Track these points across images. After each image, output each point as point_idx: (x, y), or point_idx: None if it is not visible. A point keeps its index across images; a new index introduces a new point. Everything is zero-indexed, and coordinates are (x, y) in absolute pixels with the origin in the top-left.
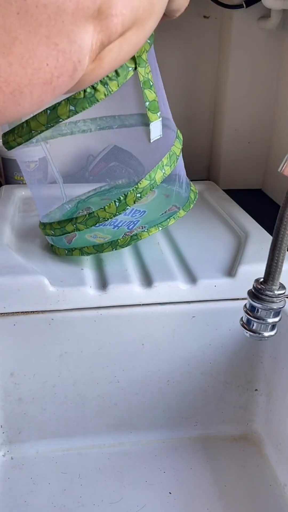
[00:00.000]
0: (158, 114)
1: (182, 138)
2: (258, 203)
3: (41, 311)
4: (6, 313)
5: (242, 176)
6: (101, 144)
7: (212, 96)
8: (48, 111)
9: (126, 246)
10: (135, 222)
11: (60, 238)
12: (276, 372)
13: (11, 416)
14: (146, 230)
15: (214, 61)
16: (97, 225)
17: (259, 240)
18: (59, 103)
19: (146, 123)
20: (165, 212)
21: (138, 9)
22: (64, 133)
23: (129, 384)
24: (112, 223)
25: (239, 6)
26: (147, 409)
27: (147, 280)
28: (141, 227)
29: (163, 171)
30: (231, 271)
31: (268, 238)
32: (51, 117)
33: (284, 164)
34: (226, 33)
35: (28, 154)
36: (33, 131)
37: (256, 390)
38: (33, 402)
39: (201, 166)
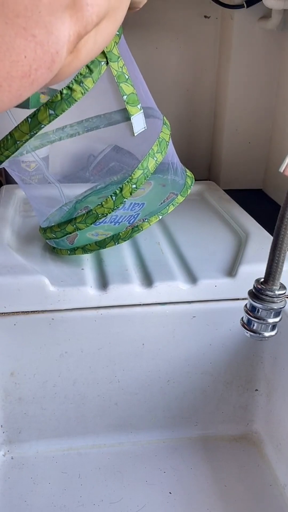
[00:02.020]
0: (139, 106)
1: (169, 124)
2: (258, 203)
3: (42, 311)
4: (7, 313)
5: (242, 176)
6: (102, 144)
7: (213, 96)
8: (29, 119)
9: (128, 239)
10: (135, 216)
11: (62, 240)
12: (276, 372)
13: (11, 416)
14: (146, 220)
15: (214, 61)
16: (97, 223)
17: (260, 240)
18: (38, 110)
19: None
20: (163, 201)
21: None
22: (53, 140)
23: (129, 384)
24: (112, 220)
25: (240, 6)
26: (147, 409)
27: (148, 280)
28: (141, 220)
29: (155, 159)
30: (231, 271)
31: (269, 238)
32: (33, 124)
33: (284, 164)
34: (226, 33)
35: (28, 154)
36: (18, 142)
37: (257, 390)
38: (33, 402)
39: (201, 166)
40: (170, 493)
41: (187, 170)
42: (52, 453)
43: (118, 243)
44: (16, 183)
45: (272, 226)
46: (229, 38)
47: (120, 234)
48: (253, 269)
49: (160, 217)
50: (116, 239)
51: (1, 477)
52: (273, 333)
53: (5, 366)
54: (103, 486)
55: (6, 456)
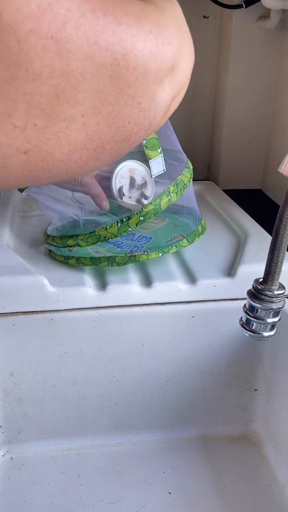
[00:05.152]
0: (158, 150)
1: (192, 168)
2: (257, 203)
3: (41, 311)
4: (6, 313)
5: (241, 176)
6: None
7: (212, 96)
8: None
9: (123, 265)
10: (139, 247)
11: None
12: (275, 372)
13: (11, 416)
14: (146, 254)
15: (213, 61)
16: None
17: (259, 240)
18: None
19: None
20: (170, 240)
21: (193, 58)
22: None
23: (128, 384)
24: (116, 244)
25: (238, 6)
26: (146, 409)
27: (147, 280)
28: (142, 251)
29: (169, 197)
30: (230, 271)
31: (268, 238)
32: None
33: (283, 164)
34: (225, 33)
35: None
36: None
37: (256, 390)
38: (33, 402)
39: (200, 166)
40: (169, 493)
41: (203, 219)
42: (51, 454)
43: (111, 266)
44: None
45: (271, 226)
46: (228, 38)
47: (117, 258)
48: (252, 269)
49: (160, 254)
50: (111, 261)
51: (1, 477)
52: (272, 333)
53: (5, 366)
54: (103, 486)
55: (5, 456)
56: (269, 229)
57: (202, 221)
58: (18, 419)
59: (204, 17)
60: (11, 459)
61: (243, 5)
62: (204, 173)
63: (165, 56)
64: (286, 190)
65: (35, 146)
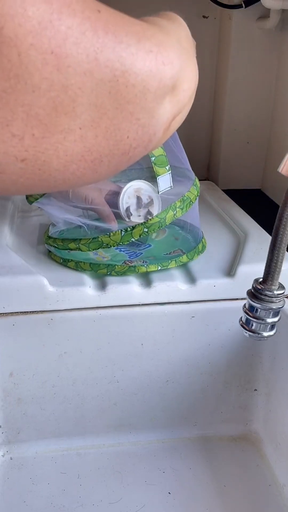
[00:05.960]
0: (167, 167)
1: (199, 186)
2: (257, 203)
3: (41, 311)
4: (5, 313)
5: (241, 176)
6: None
7: (211, 96)
8: None
9: (121, 275)
10: (137, 254)
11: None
12: (275, 372)
13: (10, 416)
14: (145, 265)
15: (213, 61)
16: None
17: (259, 240)
18: None
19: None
20: (169, 253)
21: (197, 79)
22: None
23: (128, 384)
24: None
25: (238, 6)
26: (146, 409)
27: (146, 280)
28: (142, 261)
29: (174, 212)
30: (230, 271)
31: (268, 238)
32: None
33: (283, 164)
34: (225, 33)
35: None
36: None
37: (256, 390)
38: (32, 402)
39: (200, 166)
40: (169, 493)
41: (204, 238)
42: (51, 454)
43: (109, 274)
44: None
45: (271, 226)
46: (227, 38)
47: (116, 267)
48: (252, 269)
49: (159, 268)
50: (110, 269)
51: (1, 477)
52: (272, 333)
53: (4, 366)
54: (103, 486)
55: (5, 456)
56: (269, 229)
57: (203, 240)
58: (18, 419)
59: (204, 17)
60: (11, 459)
61: (243, 5)
62: (204, 173)
63: (164, 75)
64: (286, 190)
65: (33, 155)
